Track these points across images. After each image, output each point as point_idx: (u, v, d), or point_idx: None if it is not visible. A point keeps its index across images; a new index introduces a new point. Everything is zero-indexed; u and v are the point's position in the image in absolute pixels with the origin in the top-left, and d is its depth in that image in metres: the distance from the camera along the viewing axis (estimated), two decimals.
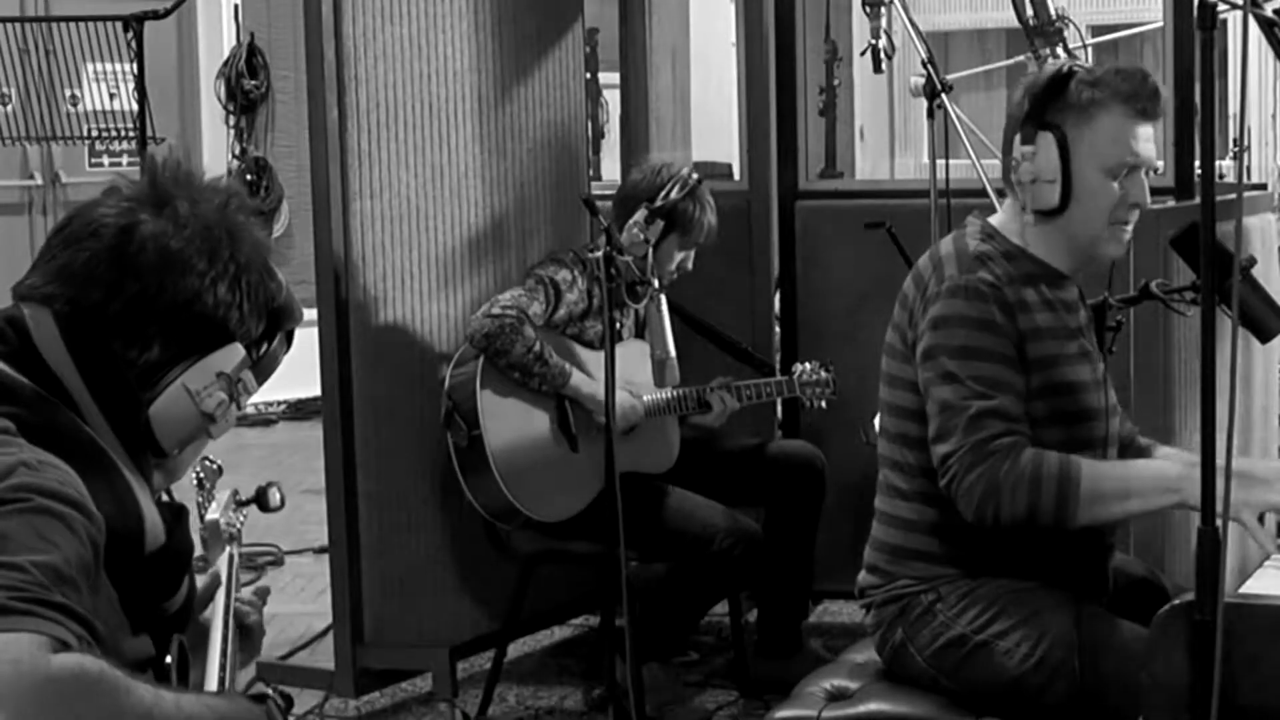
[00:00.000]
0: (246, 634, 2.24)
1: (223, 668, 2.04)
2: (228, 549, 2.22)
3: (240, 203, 2.02)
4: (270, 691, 1.96)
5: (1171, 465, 2.86)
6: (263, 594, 2.33)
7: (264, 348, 2.04)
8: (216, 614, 2.12)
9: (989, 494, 2.73)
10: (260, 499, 2.33)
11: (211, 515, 2.23)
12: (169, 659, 1.96)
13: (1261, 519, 2.74)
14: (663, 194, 4.13)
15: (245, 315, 1.99)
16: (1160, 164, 3.08)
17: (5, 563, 1.65)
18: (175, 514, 2.01)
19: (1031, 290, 2.90)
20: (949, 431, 2.78)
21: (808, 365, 4.62)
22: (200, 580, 2.15)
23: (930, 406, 2.83)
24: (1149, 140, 2.92)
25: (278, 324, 2.04)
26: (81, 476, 1.81)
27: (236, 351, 1.99)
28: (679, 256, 4.38)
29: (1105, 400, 2.98)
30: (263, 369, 2.03)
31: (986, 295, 2.83)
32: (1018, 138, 2.89)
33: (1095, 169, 2.87)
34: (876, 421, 3.10)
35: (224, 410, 1.98)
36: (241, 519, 2.29)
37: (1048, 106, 2.87)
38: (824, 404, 4.63)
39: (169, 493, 2.24)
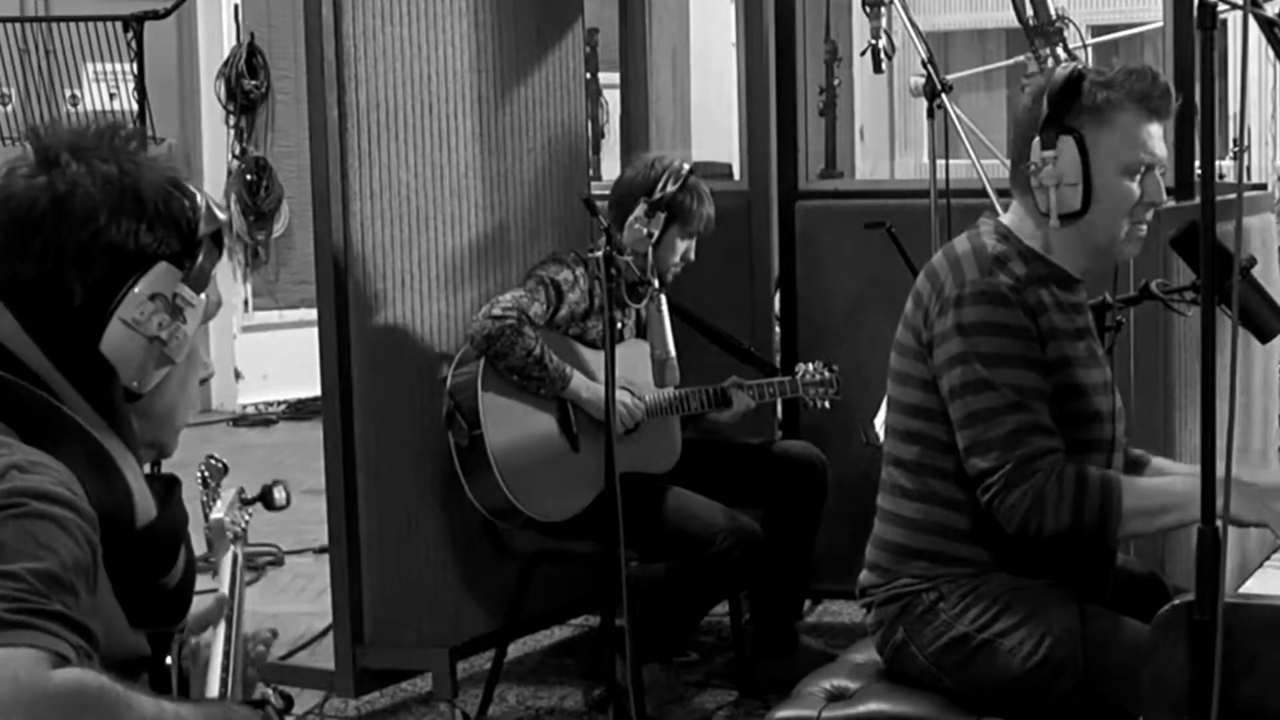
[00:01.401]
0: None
1: (225, 669, 2.03)
2: (232, 548, 2.21)
3: (125, 134, 2.00)
4: (270, 693, 1.95)
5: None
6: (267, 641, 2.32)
7: (194, 259, 2.00)
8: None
9: (1033, 511, 2.76)
10: (265, 498, 2.32)
11: (216, 514, 2.22)
12: (169, 660, 1.95)
13: None
14: (660, 186, 4.14)
15: (158, 234, 1.96)
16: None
17: (1, 571, 1.65)
18: (166, 486, 1.99)
19: (1045, 291, 2.90)
20: (987, 446, 2.79)
21: (811, 365, 4.62)
22: (207, 601, 2.14)
23: (956, 412, 2.83)
24: (1160, 139, 2.92)
25: (196, 232, 2.01)
26: (67, 461, 1.80)
27: (163, 270, 1.96)
28: (682, 247, 4.39)
29: (1112, 403, 2.98)
30: (197, 279, 1.99)
31: (1011, 300, 2.83)
32: (1036, 141, 2.88)
33: (1114, 170, 2.87)
34: (877, 421, 3.10)
35: (170, 330, 1.95)
36: (246, 518, 2.28)
37: (1065, 109, 2.87)
38: (827, 404, 4.63)
39: (157, 465, 2.23)
